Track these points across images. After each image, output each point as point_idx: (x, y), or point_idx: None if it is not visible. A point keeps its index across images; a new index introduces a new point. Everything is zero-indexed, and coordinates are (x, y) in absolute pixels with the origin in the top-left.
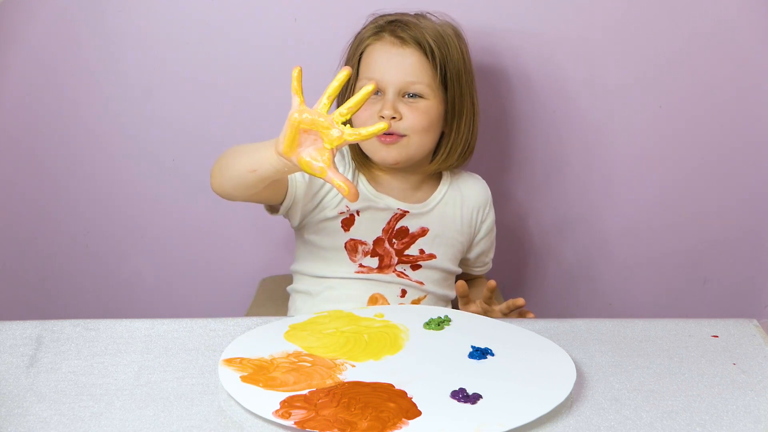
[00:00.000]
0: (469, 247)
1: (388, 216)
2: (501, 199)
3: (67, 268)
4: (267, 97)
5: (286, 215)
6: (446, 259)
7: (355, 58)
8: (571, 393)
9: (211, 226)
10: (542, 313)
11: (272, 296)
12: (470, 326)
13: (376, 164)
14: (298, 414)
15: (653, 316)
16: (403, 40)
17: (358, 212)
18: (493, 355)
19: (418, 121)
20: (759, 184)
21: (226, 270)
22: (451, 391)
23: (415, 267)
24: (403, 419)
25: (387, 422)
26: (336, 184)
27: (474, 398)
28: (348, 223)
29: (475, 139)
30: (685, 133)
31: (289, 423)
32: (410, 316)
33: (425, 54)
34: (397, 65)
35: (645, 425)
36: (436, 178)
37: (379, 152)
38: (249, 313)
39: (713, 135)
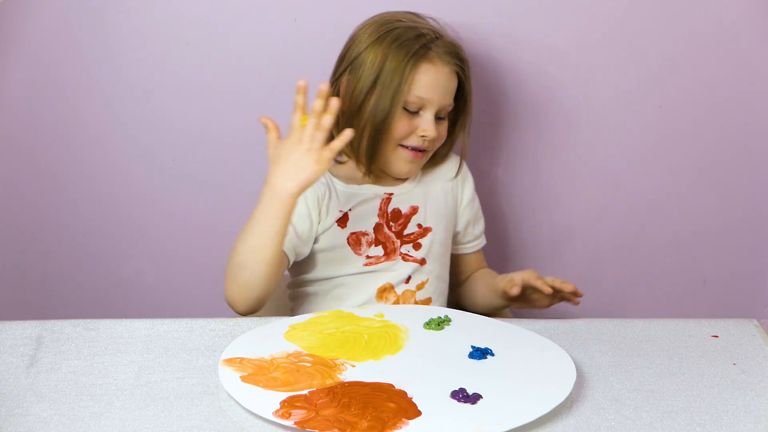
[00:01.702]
0: (456, 217)
1: (378, 202)
2: (499, 198)
3: (67, 268)
4: (267, 97)
5: None
6: (441, 231)
7: (407, 71)
8: (571, 393)
9: (211, 226)
10: (542, 313)
11: (272, 296)
12: (470, 326)
13: (377, 171)
14: (298, 414)
15: (653, 316)
16: (449, 63)
17: (351, 209)
18: (493, 355)
19: (442, 139)
20: (759, 184)
21: None
22: (451, 391)
23: (417, 246)
24: (403, 419)
25: (387, 422)
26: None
27: (474, 398)
28: (343, 221)
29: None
30: (685, 133)
31: (289, 423)
32: (410, 316)
33: (459, 77)
34: (443, 88)
35: (645, 425)
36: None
37: (406, 166)
38: None
39: (713, 135)
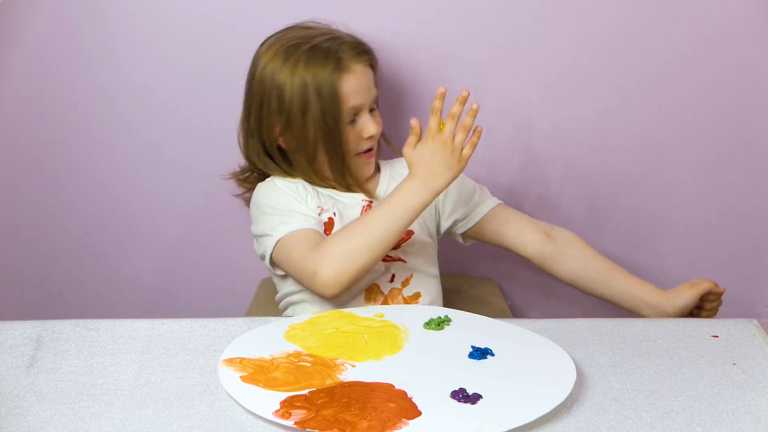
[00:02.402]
0: (436, 208)
1: (359, 210)
2: (502, 199)
3: (67, 268)
4: None
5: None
6: (420, 232)
7: (334, 91)
8: (571, 393)
9: (211, 226)
10: (542, 314)
11: (272, 296)
12: (470, 326)
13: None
14: (298, 414)
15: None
16: (361, 61)
17: (334, 213)
18: (493, 355)
19: (381, 126)
20: (759, 184)
21: (226, 270)
22: (451, 391)
23: (396, 247)
24: (403, 419)
25: (387, 422)
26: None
27: (474, 398)
28: (329, 226)
29: None
30: (685, 133)
31: (289, 423)
32: (410, 316)
33: (371, 66)
34: (366, 86)
35: (645, 425)
36: (375, 168)
37: (367, 169)
38: (249, 313)
39: (713, 135)
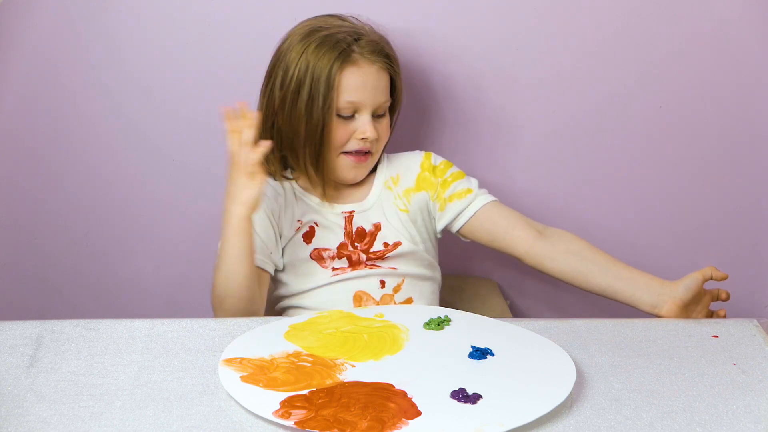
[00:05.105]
0: (428, 210)
1: (341, 220)
2: (500, 199)
3: (67, 268)
4: None
5: None
6: (409, 241)
7: (333, 78)
8: (571, 393)
9: (211, 226)
10: (542, 313)
11: (272, 296)
12: (470, 326)
13: (329, 181)
14: (298, 414)
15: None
16: (374, 61)
17: (316, 224)
18: (493, 355)
19: (385, 137)
20: (759, 184)
21: None
22: (451, 391)
23: (382, 257)
24: (403, 419)
25: (387, 422)
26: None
27: (474, 398)
28: (309, 236)
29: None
30: (685, 134)
31: (289, 423)
32: (410, 316)
33: (389, 72)
34: (372, 87)
35: (645, 425)
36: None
37: (351, 172)
38: None
39: (713, 135)
